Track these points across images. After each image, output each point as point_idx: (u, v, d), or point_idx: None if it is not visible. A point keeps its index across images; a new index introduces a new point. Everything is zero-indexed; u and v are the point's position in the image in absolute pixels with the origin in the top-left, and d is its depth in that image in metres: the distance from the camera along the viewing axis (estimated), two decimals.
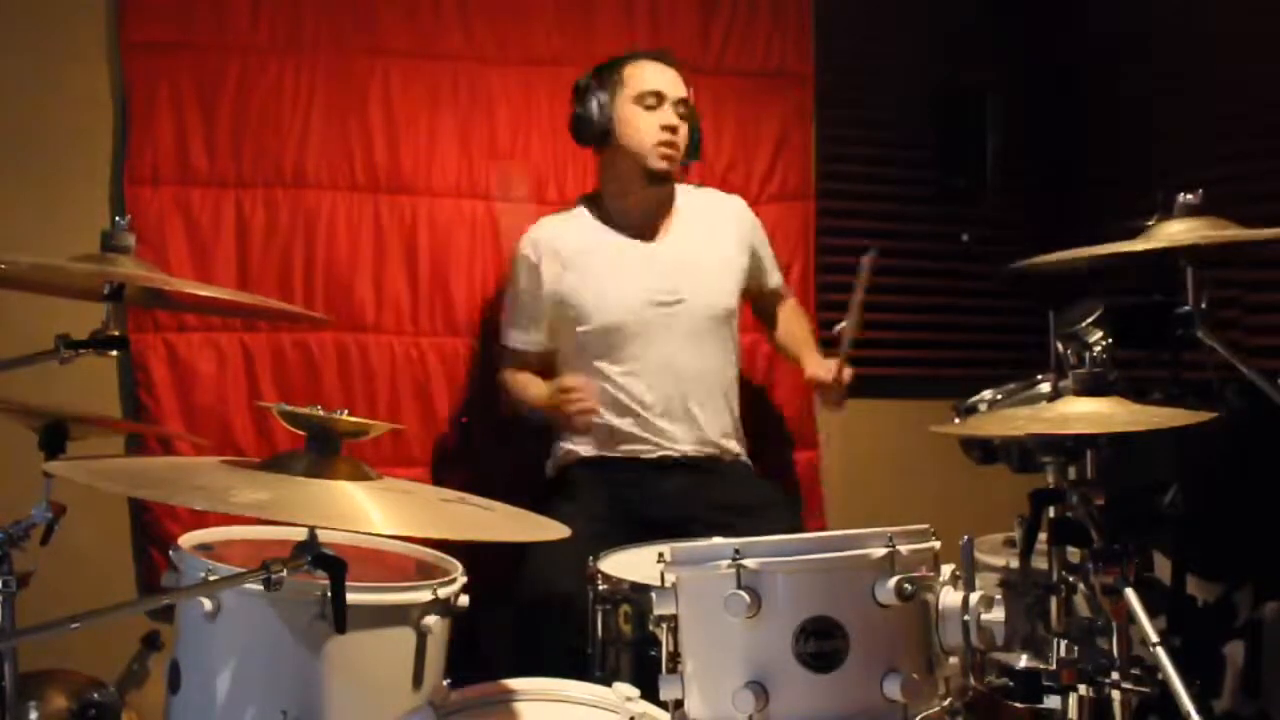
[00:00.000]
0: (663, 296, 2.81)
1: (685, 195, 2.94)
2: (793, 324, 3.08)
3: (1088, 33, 3.63)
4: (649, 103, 2.78)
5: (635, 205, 2.86)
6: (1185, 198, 2.15)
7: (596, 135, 2.82)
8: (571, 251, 2.83)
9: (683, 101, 2.82)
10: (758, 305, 3.09)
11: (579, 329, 2.80)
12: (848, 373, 2.75)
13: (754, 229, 3.01)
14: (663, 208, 2.89)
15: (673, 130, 2.79)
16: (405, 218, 3.08)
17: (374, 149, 3.06)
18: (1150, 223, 2.19)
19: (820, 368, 2.82)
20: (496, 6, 3.17)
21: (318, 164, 3.02)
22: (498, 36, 3.17)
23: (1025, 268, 2.34)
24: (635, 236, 2.86)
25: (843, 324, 2.71)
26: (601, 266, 2.82)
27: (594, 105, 2.80)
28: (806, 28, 3.41)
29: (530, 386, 2.84)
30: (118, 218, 1.97)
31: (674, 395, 2.80)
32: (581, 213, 2.90)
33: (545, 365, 2.88)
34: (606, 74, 2.83)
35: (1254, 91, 3.10)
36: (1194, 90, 3.26)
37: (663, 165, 2.79)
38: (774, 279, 3.06)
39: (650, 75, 2.81)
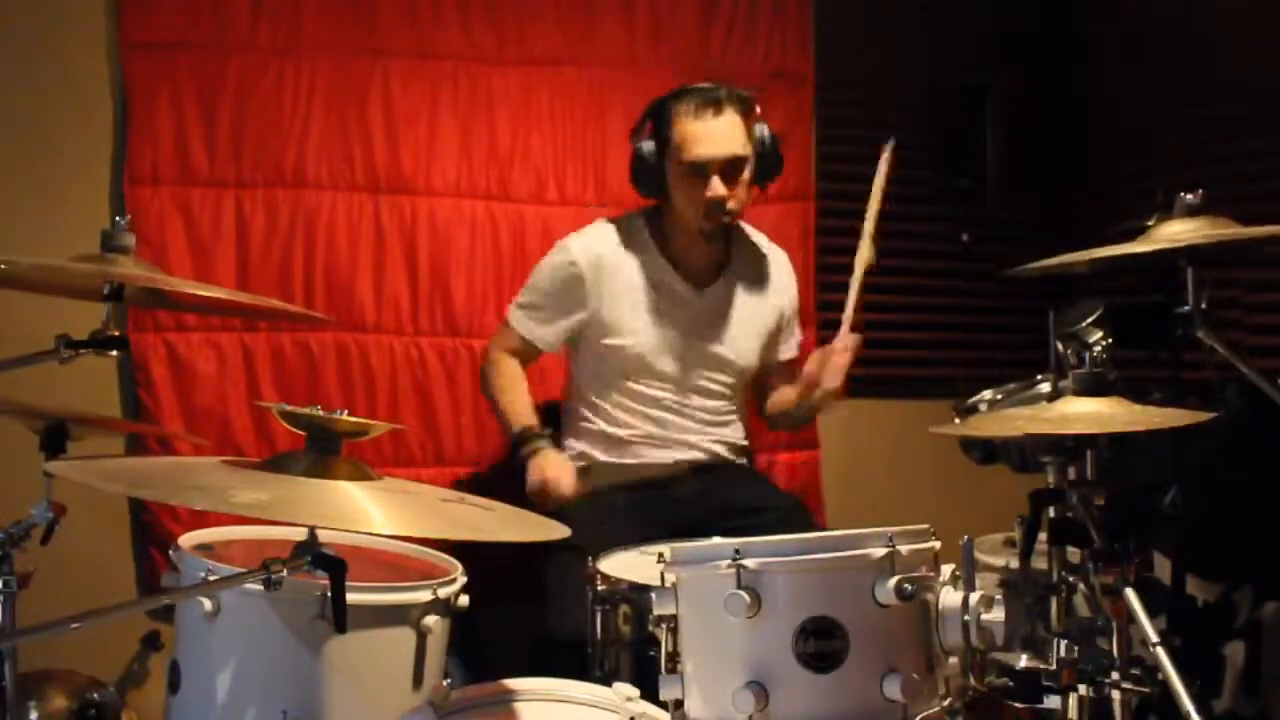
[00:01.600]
0: (699, 344, 2.75)
1: (740, 245, 2.82)
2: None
3: (1088, 32, 3.64)
4: (697, 172, 2.60)
5: (690, 247, 2.75)
6: (1185, 198, 2.14)
7: (651, 188, 2.69)
8: (621, 276, 2.71)
9: (733, 161, 2.61)
10: (760, 377, 2.88)
11: (608, 350, 2.72)
12: (854, 339, 2.63)
13: (790, 294, 2.91)
14: (718, 254, 2.78)
15: (721, 200, 2.62)
16: (405, 218, 3.08)
17: (374, 149, 3.06)
18: (1150, 223, 2.19)
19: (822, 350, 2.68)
20: (496, 6, 3.17)
21: (318, 164, 3.03)
22: (498, 36, 3.17)
23: (1025, 270, 2.34)
24: (686, 279, 2.75)
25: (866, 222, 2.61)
26: (648, 302, 2.72)
27: (645, 158, 2.65)
28: (807, 28, 3.42)
29: (515, 392, 2.73)
30: (118, 218, 1.97)
31: (694, 412, 2.77)
32: (640, 231, 2.75)
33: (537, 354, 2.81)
34: (659, 124, 2.64)
35: (1254, 91, 3.10)
36: (1194, 90, 3.26)
37: (709, 227, 2.67)
38: (787, 350, 2.91)
39: (697, 142, 2.59)
